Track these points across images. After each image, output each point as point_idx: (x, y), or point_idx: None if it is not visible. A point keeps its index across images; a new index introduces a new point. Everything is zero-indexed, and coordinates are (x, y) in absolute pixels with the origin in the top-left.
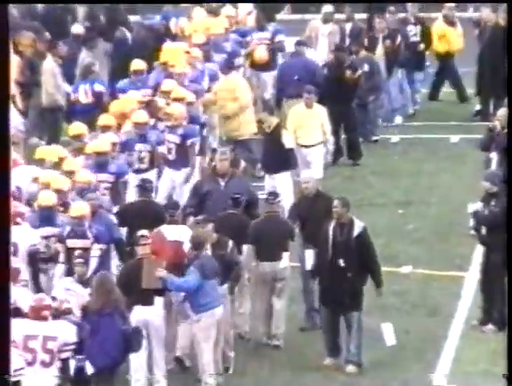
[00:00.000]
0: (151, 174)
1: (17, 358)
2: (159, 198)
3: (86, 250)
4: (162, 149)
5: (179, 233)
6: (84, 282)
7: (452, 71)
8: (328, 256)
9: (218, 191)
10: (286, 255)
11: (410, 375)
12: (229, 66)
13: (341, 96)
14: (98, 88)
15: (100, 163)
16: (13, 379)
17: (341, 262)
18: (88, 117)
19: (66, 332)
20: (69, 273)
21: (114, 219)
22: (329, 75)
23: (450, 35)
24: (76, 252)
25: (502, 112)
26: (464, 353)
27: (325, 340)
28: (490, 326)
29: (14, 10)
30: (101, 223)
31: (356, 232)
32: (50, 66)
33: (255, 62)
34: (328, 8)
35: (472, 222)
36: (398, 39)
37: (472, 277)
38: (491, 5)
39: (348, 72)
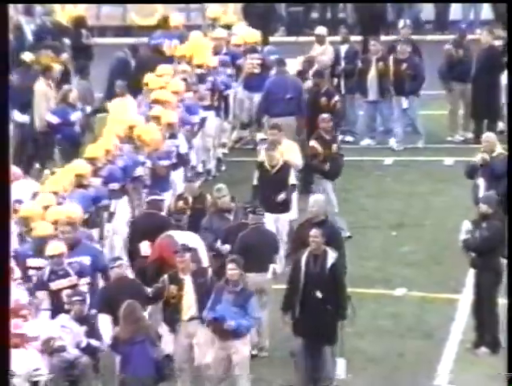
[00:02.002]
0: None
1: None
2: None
3: (74, 287)
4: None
5: (190, 239)
6: (80, 320)
7: None
8: (300, 288)
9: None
10: (271, 267)
11: None
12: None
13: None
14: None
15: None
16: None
17: (318, 294)
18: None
19: (48, 330)
20: (58, 314)
21: (98, 247)
22: (308, 101)
23: None
24: (67, 292)
25: (487, 136)
26: (458, 376)
27: (298, 374)
28: (484, 349)
29: None
30: (86, 254)
31: (329, 262)
32: (42, 88)
33: (247, 82)
34: (321, 30)
35: (461, 238)
36: (391, 61)
37: (466, 299)
38: (488, 27)
39: (323, 99)
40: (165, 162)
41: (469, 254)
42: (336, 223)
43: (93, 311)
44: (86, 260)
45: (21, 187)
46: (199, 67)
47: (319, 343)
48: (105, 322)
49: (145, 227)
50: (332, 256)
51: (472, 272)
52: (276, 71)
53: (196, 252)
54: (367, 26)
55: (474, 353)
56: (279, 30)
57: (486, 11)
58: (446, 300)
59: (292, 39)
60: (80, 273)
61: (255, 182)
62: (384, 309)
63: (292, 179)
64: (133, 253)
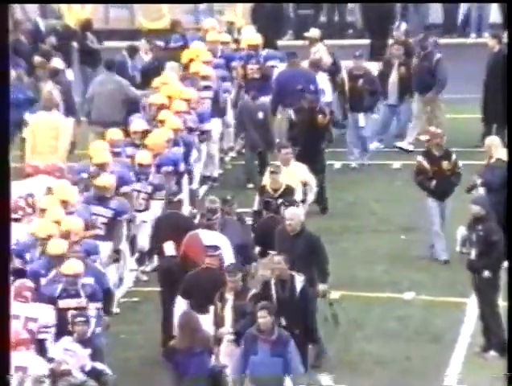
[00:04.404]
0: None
1: None
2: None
3: (82, 309)
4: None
5: (215, 239)
6: (83, 342)
7: None
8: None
9: None
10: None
11: None
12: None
13: (312, 139)
14: None
15: (100, 197)
16: None
17: (282, 321)
18: None
19: (46, 315)
20: (62, 333)
21: (101, 269)
22: (300, 119)
23: None
24: (73, 312)
25: (487, 140)
26: (466, 380)
27: None
28: (492, 353)
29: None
30: (90, 275)
31: (299, 286)
32: (50, 89)
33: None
34: (313, 32)
35: (458, 246)
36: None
37: (474, 303)
38: (494, 32)
39: (320, 117)
40: (168, 168)
41: (469, 254)
42: None
43: (97, 331)
44: (89, 281)
45: (38, 182)
46: (204, 78)
47: None
48: (181, 307)
49: (168, 227)
50: (299, 280)
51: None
52: (288, 63)
53: (220, 251)
54: (375, 30)
55: (483, 356)
56: (287, 33)
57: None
58: (454, 304)
59: (300, 42)
60: (92, 297)
61: (256, 207)
62: (392, 312)
63: (299, 196)
64: (156, 253)
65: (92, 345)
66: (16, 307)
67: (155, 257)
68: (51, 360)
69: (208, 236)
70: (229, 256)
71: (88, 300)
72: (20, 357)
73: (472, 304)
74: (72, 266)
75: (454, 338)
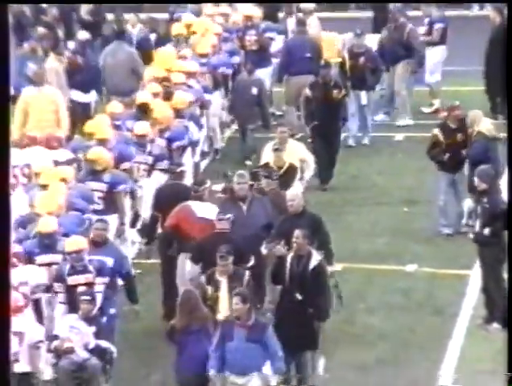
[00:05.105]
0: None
1: None
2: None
3: (90, 285)
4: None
5: (208, 210)
6: (89, 320)
7: None
8: (284, 290)
9: (241, 216)
10: None
11: (414, 374)
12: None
13: (329, 115)
14: None
15: (93, 172)
16: None
17: (298, 296)
18: None
19: (36, 275)
20: (72, 310)
21: (123, 252)
22: (315, 95)
23: None
24: (81, 289)
25: (471, 114)
26: (469, 351)
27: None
28: (495, 325)
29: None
30: (110, 256)
31: (312, 264)
32: (53, 65)
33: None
34: (308, 4)
35: (465, 218)
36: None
37: (477, 275)
38: (497, 6)
39: (335, 92)
40: (180, 143)
41: (474, 227)
42: None
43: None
44: (109, 261)
45: (36, 153)
46: (202, 56)
47: (299, 348)
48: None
49: (169, 197)
50: (316, 258)
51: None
52: (296, 30)
53: (212, 223)
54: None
55: (485, 329)
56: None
57: None
58: (457, 276)
59: None
60: (99, 272)
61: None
62: (395, 285)
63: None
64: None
65: (98, 323)
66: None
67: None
68: (55, 337)
69: (200, 208)
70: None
71: (96, 275)
72: (16, 322)
73: (474, 276)
74: (74, 243)
75: (456, 310)
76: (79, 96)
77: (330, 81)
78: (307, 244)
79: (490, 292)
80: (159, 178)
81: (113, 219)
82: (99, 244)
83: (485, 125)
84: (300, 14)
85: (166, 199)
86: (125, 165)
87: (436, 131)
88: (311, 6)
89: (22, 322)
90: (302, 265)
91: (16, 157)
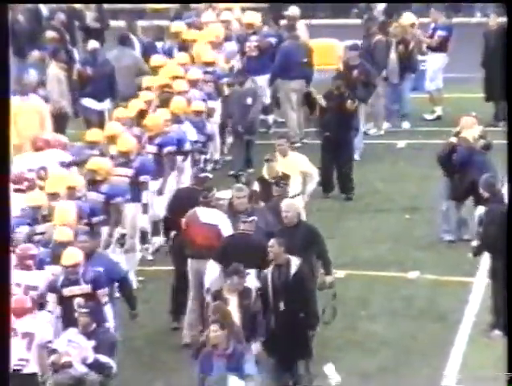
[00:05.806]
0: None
1: None
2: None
3: (87, 297)
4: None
5: (212, 216)
6: (88, 334)
7: None
8: (269, 302)
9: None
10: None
11: (416, 381)
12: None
13: (341, 126)
14: None
15: (92, 181)
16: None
17: (281, 306)
18: None
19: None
20: (68, 323)
21: (114, 258)
22: (329, 105)
23: None
24: (78, 301)
25: (462, 120)
26: (471, 359)
27: None
28: (497, 332)
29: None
30: (99, 265)
31: (293, 270)
32: (55, 72)
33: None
34: (293, 10)
35: (477, 226)
36: (411, 44)
37: (479, 282)
38: (497, 9)
39: (349, 102)
40: (170, 148)
41: (477, 241)
42: None
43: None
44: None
45: (50, 155)
46: (207, 64)
47: (292, 359)
48: (213, 271)
49: (183, 201)
50: (295, 263)
51: (486, 255)
52: (289, 36)
53: (217, 228)
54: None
55: (487, 336)
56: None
57: None
58: (459, 283)
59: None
60: (95, 283)
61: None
62: (397, 292)
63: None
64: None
65: (97, 337)
66: (18, 275)
67: (164, 235)
68: (53, 351)
69: (205, 214)
70: (226, 233)
71: (93, 287)
72: (26, 323)
73: (477, 283)
74: (71, 256)
75: (459, 317)
76: (93, 103)
77: (344, 92)
78: (283, 252)
79: (498, 299)
80: (171, 185)
81: (106, 231)
82: (86, 256)
83: (471, 132)
84: (285, 21)
85: (179, 203)
86: (146, 178)
87: (453, 140)
88: (297, 11)
89: (32, 323)
90: (283, 275)
91: (31, 160)
